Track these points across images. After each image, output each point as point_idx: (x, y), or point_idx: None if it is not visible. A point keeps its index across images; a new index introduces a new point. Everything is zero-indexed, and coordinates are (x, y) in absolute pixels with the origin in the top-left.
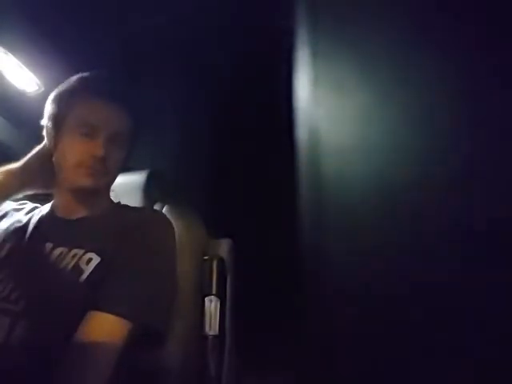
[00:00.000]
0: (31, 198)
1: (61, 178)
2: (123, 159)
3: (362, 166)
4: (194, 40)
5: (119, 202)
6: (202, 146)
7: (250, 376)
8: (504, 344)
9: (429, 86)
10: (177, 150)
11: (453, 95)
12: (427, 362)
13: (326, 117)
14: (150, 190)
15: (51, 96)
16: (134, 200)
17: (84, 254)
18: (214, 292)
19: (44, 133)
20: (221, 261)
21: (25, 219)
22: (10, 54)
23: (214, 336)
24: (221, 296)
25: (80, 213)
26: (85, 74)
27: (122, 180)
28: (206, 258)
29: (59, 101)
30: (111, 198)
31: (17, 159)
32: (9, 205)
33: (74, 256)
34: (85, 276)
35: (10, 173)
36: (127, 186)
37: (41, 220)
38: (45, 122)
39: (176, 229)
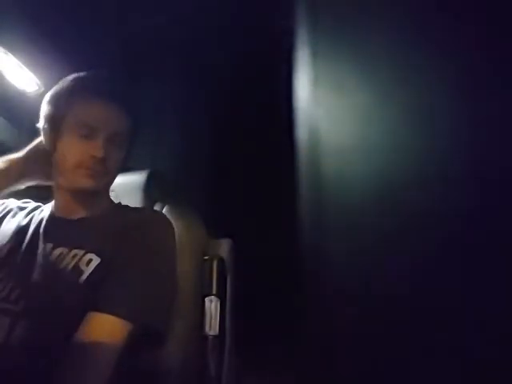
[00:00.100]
0: (34, 197)
1: (60, 179)
2: (123, 159)
3: (362, 166)
4: (194, 40)
5: (119, 203)
6: (202, 146)
7: (250, 376)
8: (504, 344)
9: (429, 86)
10: (177, 149)
11: (453, 95)
12: (427, 361)
13: (325, 117)
14: (150, 190)
15: (47, 96)
16: (134, 200)
17: (84, 255)
18: (214, 292)
19: (42, 135)
20: (221, 261)
21: (26, 219)
22: (9, 53)
23: (214, 336)
24: (221, 296)
25: (80, 213)
26: (81, 74)
27: (121, 180)
28: (206, 258)
29: (57, 101)
30: (111, 198)
31: None
32: (13, 202)
33: (74, 256)
34: (84, 277)
35: (11, 161)
36: (127, 186)
37: (41, 220)
38: (41, 123)
39: (176, 229)
